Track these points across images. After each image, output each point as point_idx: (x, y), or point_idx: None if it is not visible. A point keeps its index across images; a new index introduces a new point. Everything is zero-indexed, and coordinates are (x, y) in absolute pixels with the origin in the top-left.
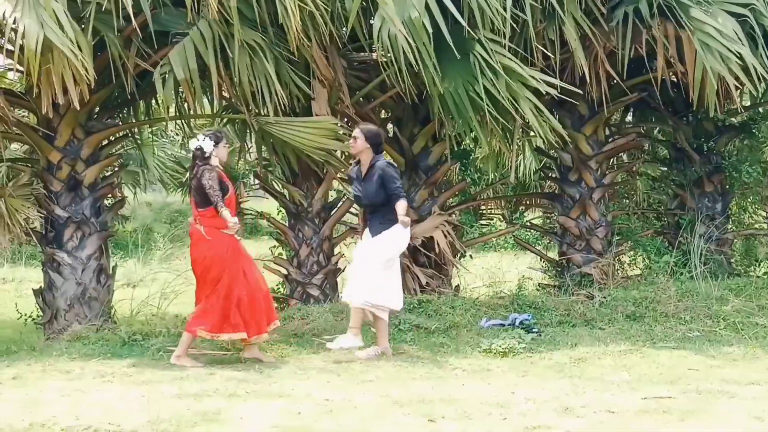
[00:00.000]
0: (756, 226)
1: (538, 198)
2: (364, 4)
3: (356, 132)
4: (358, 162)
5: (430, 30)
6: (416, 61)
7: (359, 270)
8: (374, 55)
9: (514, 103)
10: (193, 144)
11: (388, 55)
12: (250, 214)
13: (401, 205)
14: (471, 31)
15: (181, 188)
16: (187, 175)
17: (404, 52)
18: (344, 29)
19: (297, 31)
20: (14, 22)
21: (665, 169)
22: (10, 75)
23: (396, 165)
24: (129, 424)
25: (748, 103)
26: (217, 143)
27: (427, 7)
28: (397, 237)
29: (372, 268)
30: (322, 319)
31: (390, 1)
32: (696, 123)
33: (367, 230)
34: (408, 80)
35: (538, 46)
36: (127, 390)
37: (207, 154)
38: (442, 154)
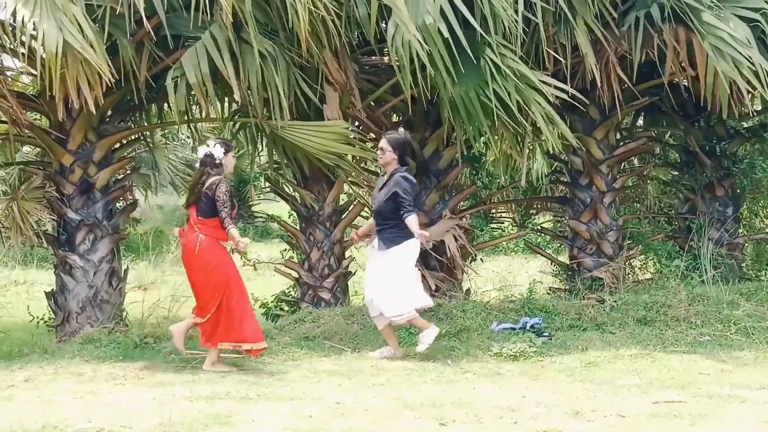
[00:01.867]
0: (767, 230)
1: (549, 202)
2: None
3: (383, 143)
4: (385, 173)
5: (446, 35)
6: (429, 65)
7: (385, 290)
8: (385, 58)
9: (524, 107)
10: (202, 150)
11: (401, 59)
12: (261, 217)
13: (412, 221)
14: (484, 35)
15: None
16: (193, 179)
17: (417, 57)
18: (355, 33)
19: (308, 35)
20: (33, 27)
21: (676, 173)
22: (23, 78)
23: (414, 180)
24: (141, 427)
25: (760, 108)
26: (227, 152)
27: (442, 13)
28: (411, 250)
29: (395, 282)
30: (333, 322)
31: (403, 7)
32: (707, 127)
33: (376, 241)
34: (421, 84)
35: (549, 50)
36: (139, 392)
37: (217, 161)
38: (453, 158)
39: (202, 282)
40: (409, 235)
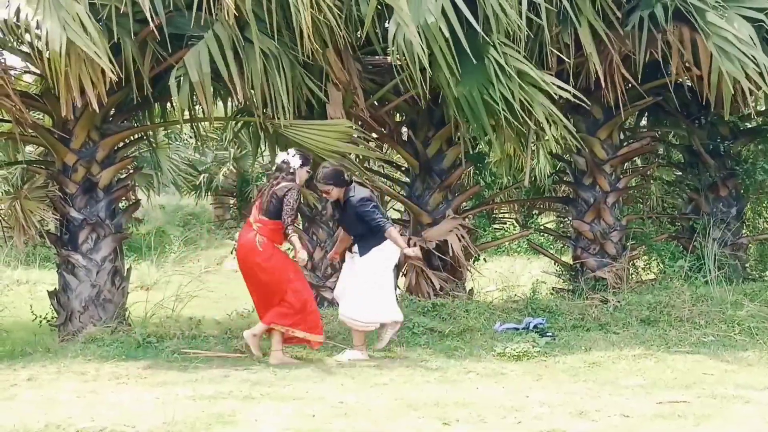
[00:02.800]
0: None
1: (552, 202)
2: (379, 8)
3: (323, 187)
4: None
5: (447, 35)
6: (431, 65)
7: (352, 289)
8: (389, 58)
9: (528, 107)
10: (281, 156)
11: (403, 58)
12: None
13: (393, 235)
14: (485, 36)
15: (195, 191)
16: (266, 181)
17: (419, 57)
18: (358, 33)
19: (311, 34)
20: (37, 26)
21: (680, 173)
22: (27, 77)
23: (368, 194)
24: (144, 426)
25: (764, 108)
26: (303, 165)
27: (443, 12)
28: (388, 255)
29: (364, 285)
30: (336, 322)
31: (405, 6)
32: (710, 127)
33: (356, 246)
34: (422, 84)
35: (553, 50)
36: (141, 392)
37: (291, 170)
38: (456, 158)
39: (259, 281)
40: (386, 239)
